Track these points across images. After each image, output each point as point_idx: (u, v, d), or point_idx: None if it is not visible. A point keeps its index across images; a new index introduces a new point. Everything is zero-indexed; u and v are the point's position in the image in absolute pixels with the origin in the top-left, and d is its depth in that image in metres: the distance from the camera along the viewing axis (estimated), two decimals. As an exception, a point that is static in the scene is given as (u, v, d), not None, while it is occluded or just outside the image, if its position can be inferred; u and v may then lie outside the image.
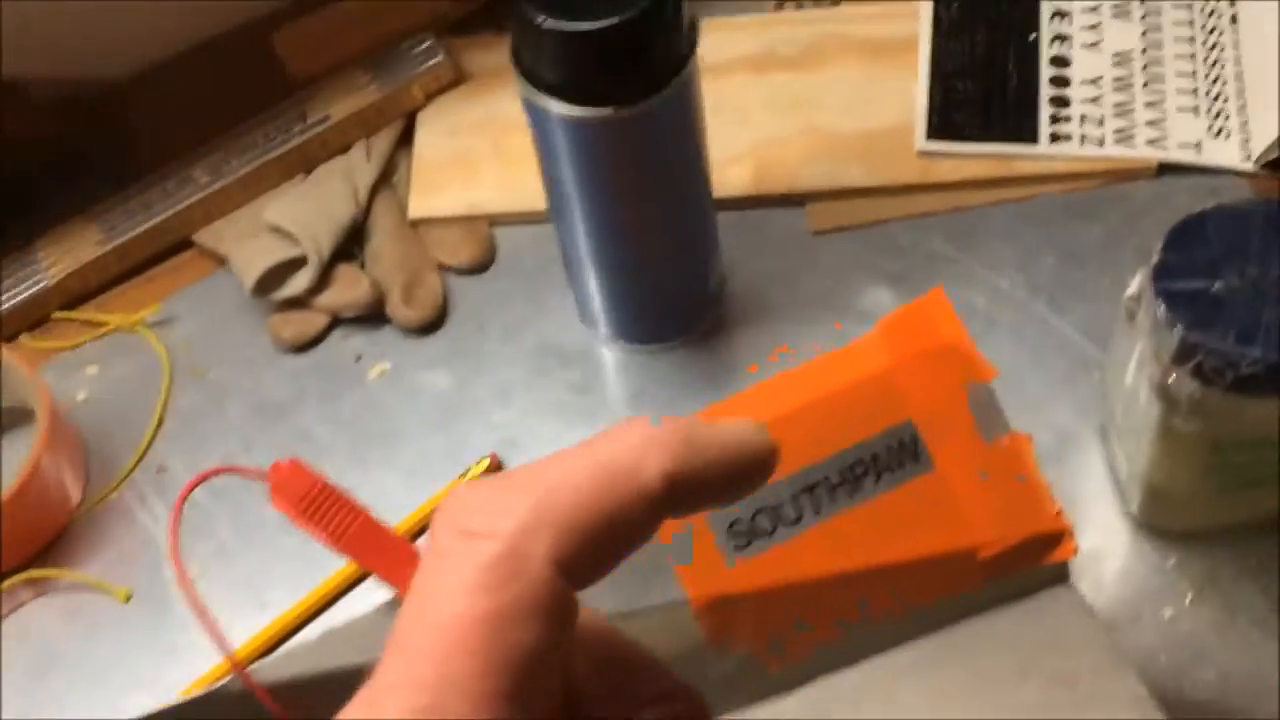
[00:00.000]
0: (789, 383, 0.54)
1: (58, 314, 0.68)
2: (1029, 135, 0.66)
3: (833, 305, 0.66)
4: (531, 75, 0.53)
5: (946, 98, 0.68)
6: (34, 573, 0.62)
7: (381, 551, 0.48)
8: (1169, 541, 0.58)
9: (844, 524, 0.54)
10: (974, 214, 0.67)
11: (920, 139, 0.67)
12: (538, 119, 0.55)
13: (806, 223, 0.68)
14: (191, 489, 0.47)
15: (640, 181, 0.57)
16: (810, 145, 0.68)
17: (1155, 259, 0.50)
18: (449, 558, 0.23)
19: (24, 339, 0.68)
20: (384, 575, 0.49)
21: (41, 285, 0.68)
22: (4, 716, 0.59)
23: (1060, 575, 0.56)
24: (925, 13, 0.71)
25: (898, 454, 0.54)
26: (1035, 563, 0.54)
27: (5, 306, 0.67)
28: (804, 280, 0.67)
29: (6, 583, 0.62)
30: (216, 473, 0.48)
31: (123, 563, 0.63)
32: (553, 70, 0.52)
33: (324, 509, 0.47)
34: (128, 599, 0.62)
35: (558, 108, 0.53)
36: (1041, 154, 0.66)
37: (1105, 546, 0.59)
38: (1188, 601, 0.57)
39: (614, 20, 0.50)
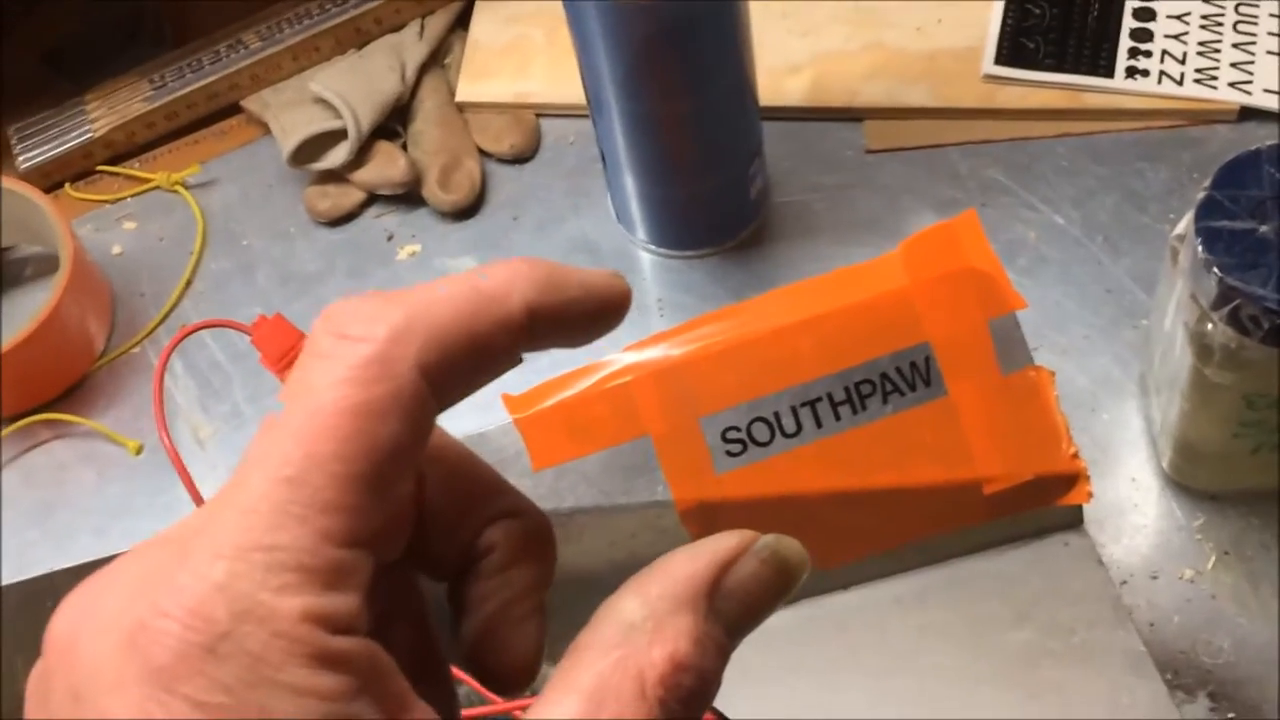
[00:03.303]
0: (800, 293, 0.51)
1: (102, 167, 0.68)
2: (1104, 68, 0.63)
3: (879, 228, 0.63)
4: (566, -44, 0.51)
5: (1020, 22, 0.64)
6: (51, 414, 0.62)
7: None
8: (1197, 501, 0.55)
9: (844, 443, 0.51)
10: (1037, 145, 0.64)
11: (988, 63, 0.64)
12: (573, 6, 0.53)
13: (863, 140, 0.65)
14: (176, 344, 0.47)
15: (676, 77, 0.55)
16: (874, 61, 0.66)
17: (1201, 195, 0.47)
18: (326, 357, 0.25)
19: (68, 189, 0.68)
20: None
21: (88, 137, 0.68)
22: (3, 550, 0.60)
23: (1074, 521, 0.54)
24: (1012, -67, 0.67)
25: (909, 376, 0.51)
26: (1045, 504, 0.51)
27: (51, 155, 0.68)
28: (853, 199, 0.64)
29: (25, 421, 0.62)
30: (203, 326, 0.47)
31: (138, 417, 0.63)
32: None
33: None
34: (139, 451, 0.62)
35: (592, -9, 0.51)
36: (1115, 89, 0.63)
37: (1131, 500, 0.56)
38: (1210, 565, 0.54)
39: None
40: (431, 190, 0.65)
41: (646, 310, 0.63)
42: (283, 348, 0.47)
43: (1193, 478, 0.55)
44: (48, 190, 0.66)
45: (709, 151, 0.59)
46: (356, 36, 0.68)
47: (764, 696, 0.50)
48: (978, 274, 0.51)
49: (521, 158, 0.67)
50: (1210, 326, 0.48)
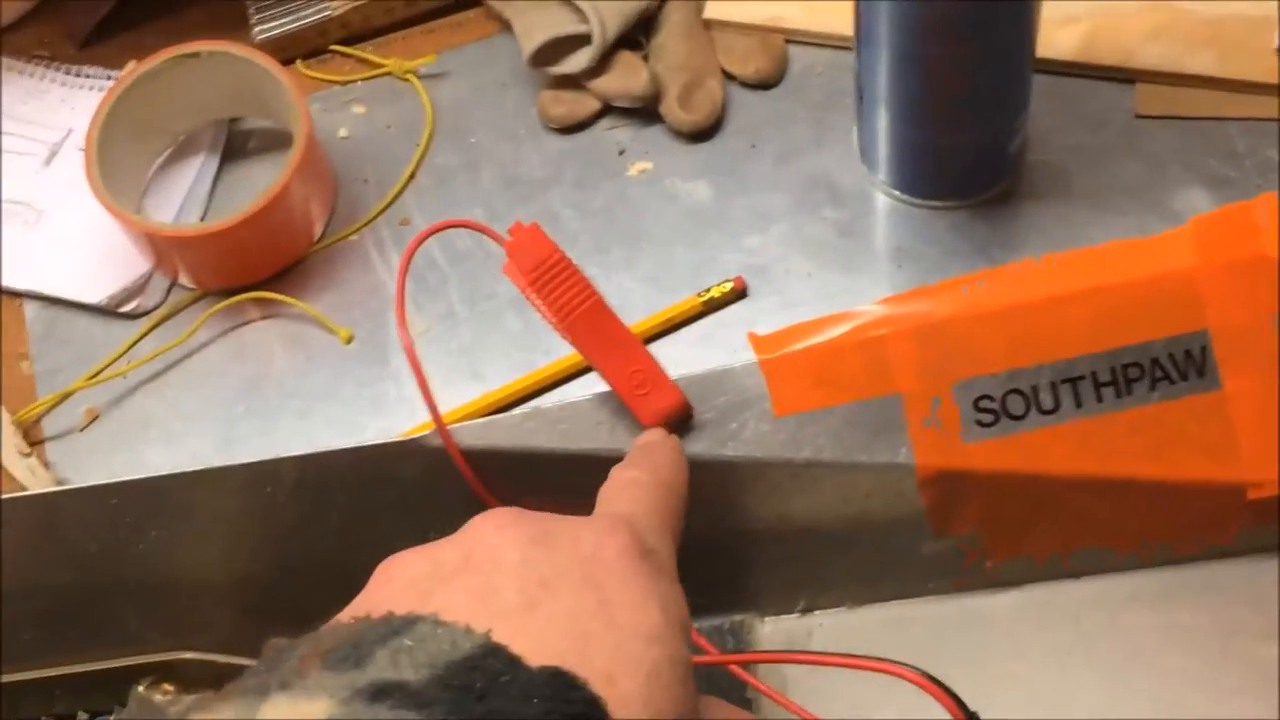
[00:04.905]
0: (1075, 262, 0.48)
1: (336, 47, 0.67)
2: None
3: (1142, 198, 0.59)
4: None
5: (1327, -7, 0.60)
6: (266, 293, 0.62)
7: (604, 340, 0.46)
8: None
9: (1103, 426, 0.48)
10: (1326, 129, 0.59)
11: (1284, 34, 0.59)
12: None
13: (1132, 104, 0.61)
14: (426, 236, 0.45)
15: (959, 21, 0.51)
16: (1154, 21, 0.61)
17: None
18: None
19: (299, 65, 0.67)
20: (600, 364, 0.46)
21: (325, 15, 0.66)
22: (204, 429, 0.60)
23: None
24: (1322, -103, 0.62)
25: (1182, 364, 0.48)
26: (1313, 518, 0.48)
27: (287, 29, 0.67)
28: (1115, 164, 0.60)
29: (239, 298, 0.62)
30: (454, 225, 0.45)
31: (351, 305, 0.62)
32: None
33: (556, 282, 0.45)
34: (349, 340, 0.61)
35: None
36: None
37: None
38: None
39: None
40: (670, 108, 0.63)
41: (880, 257, 0.60)
42: (536, 259, 0.45)
43: None
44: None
45: (979, 102, 0.55)
46: (608, -61, 0.66)
47: (992, 678, 0.47)
48: (1273, 263, 0.48)
49: (766, 83, 0.64)
50: None
